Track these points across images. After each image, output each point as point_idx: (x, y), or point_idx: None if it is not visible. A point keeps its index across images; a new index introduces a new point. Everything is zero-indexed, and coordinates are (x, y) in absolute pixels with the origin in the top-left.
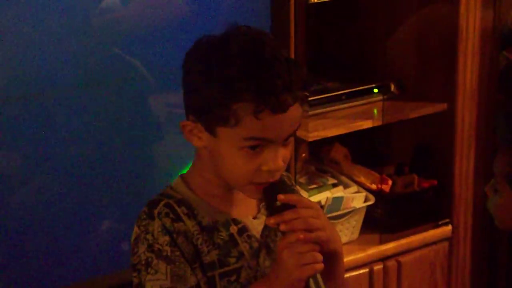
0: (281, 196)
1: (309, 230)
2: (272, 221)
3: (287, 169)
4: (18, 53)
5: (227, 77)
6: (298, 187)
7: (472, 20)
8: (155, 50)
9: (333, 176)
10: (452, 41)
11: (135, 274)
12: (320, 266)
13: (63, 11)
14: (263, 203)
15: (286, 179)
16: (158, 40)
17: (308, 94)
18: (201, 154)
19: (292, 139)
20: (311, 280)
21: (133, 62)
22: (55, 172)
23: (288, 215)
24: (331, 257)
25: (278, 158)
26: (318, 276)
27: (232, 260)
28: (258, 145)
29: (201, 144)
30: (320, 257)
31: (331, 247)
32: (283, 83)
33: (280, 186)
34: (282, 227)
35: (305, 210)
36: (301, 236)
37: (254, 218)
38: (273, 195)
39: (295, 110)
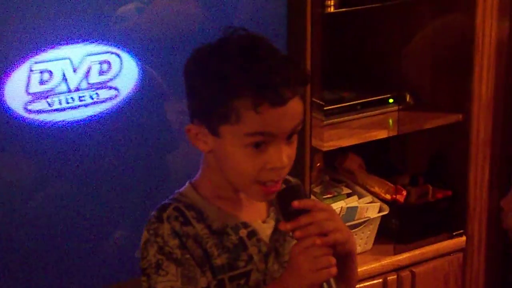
0: (295, 203)
1: (325, 233)
2: (288, 227)
3: (301, 178)
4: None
5: (225, 75)
6: (312, 197)
7: (488, 30)
8: (170, 57)
9: (347, 186)
10: (468, 52)
11: (144, 278)
12: (335, 270)
13: (78, 18)
14: (272, 207)
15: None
16: (173, 48)
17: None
18: (208, 159)
19: (296, 137)
20: (324, 284)
21: (148, 70)
22: (68, 180)
23: (303, 220)
24: (346, 257)
25: (282, 155)
26: (332, 280)
27: (241, 263)
28: (261, 142)
29: (207, 149)
30: (334, 260)
31: (348, 247)
32: (280, 77)
33: (294, 191)
34: (298, 234)
35: (319, 213)
36: (318, 241)
37: (263, 222)
38: (287, 201)
39: (296, 104)
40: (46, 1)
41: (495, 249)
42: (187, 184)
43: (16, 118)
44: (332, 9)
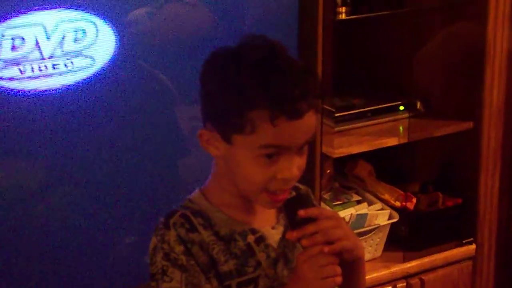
0: (301, 212)
1: (331, 241)
2: (294, 235)
3: (311, 185)
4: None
5: (242, 85)
6: (322, 203)
7: (499, 38)
8: (181, 62)
9: (357, 193)
10: (479, 59)
11: (154, 283)
12: (339, 279)
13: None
14: (282, 213)
15: (305, 193)
16: (184, 53)
17: (322, 102)
18: (219, 165)
19: (306, 148)
20: None
21: (159, 75)
22: (76, 185)
23: (309, 228)
24: (354, 264)
25: (293, 167)
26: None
27: (250, 269)
28: (273, 153)
29: (218, 154)
30: (339, 270)
31: (355, 254)
32: (299, 90)
33: (301, 200)
34: (304, 243)
35: (326, 221)
36: (326, 249)
37: (272, 228)
38: (294, 209)
39: (310, 117)
40: None
41: (505, 257)
42: (196, 190)
43: None
44: (343, 16)
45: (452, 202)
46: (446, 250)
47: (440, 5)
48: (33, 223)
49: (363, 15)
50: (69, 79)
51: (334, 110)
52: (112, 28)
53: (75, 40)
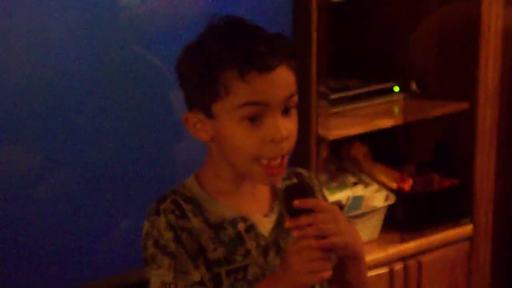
0: (296, 202)
1: (323, 236)
2: (287, 224)
3: (307, 168)
4: (35, 50)
5: (210, 53)
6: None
7: (494, 18)
8: (174, 47)
9: (353, 175)
10: (474, 39)
11: (147, 268)
12: (328, 274)
13: (82, 8)
14: (277, 201)
15: (308, 180)
16: (177, 38)
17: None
18: (212, 150)
19: (294, 112)
20: (316, 286)
21: (152, 60)
22: (72, 171)
23: (303, 220)
24: (350, 260)
25: (279, 126)
26: (324, 282)
27: (239, 257)
28: (255, 114)
29: (208, 137)
30: (329, 265)
31: (350, 250)
32: (264, 46)
33: (301, 188)
34: (295, 234)
35: (322, 215)
36: (314, 243)
37: (265, 216)
38: (291, 197)
39: (284, 73)
40: None
41: (502, 237)
42: (192, 175)
43: None
44: None
45: (449, 183)
46: (443, 231)
47: None
48: (26, 208)
49: None
50: None
51: (329, 92)
52: None
53: None
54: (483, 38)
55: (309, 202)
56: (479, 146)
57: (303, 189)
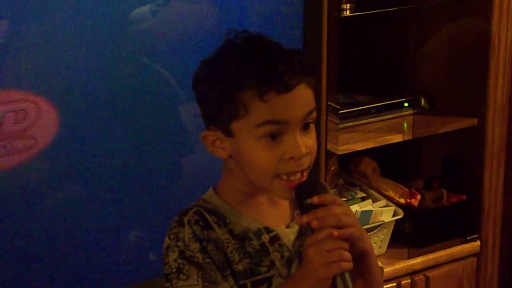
0: (315, 199)
1: (341, 227)
2: (304, 219)
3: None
4: (46, 62)
5: (229, 71)
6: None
7: (503, 35)
8: (184, 60)
9: (362, 190)
10: (483, 56)
11: (168, 284)
12: (348, 264)
13: (93, 22)
14: (297, 212)
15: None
16: (187, 50)
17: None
18: (229, 165)
19: (313, 128)
20: (338, 279)
21: (162, 72)
22: (83, 181)
23: (320, 212)
24: (362, 256)
25: (298, 143)
26: (346, 275)
27: (263, 269)
28: (275, 133)
29: (226, 155)
30: (348, 255)
31: (361, 245)
32: (284, 65)
33: (313, 184)
34: (314, 224)
35: (337, 207)
36: (335, 232)
37: (287, 227)
38: (305, 193)
39: (303, 91)
40: None
41: (509, 254)
42: (210, 189)
43: None
44: (348, 13)
45: (457, 199)
46: (450, 246)
47: (445, 1)
48: (38, 217)
49: (368, 12)
50: (10, 162)
51: (338, 107)
52: (54, 106)
53: (16, 121)
54: (492, 54)
55: (326, 198)
56: (488, 163)
57: (315, 186)
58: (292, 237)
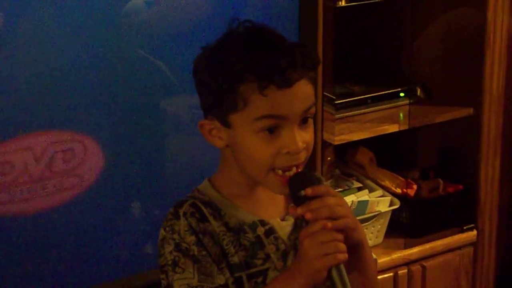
0: (308, 190)
1: (335, 218)
2: (299, 211)
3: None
4: (41, 54)
5: (229, 63)
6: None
7: (499, 24)
8: (180, 52)
9: (358, 180)
10: (479, 46)
11: (163, 276)
12: (343, 256)
13: (88, 13)
14: (291, 205)
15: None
16: (183, 42)
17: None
18: (226, 156)
19: (311, 123)
20: (334, 271)
21: (158, 64)
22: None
23: (314, 204)
24: (356, 247)
25: (296, 138)
26: (342, 266)
27: (259, 261)
28: (273, 127)
29: (223, 144)
30: (343, 246)
31: (356, 236)
32: (285, 60)
33: (305, 176)
34: (308, 216)
35: (331, 198)
36: (329, 224)
37: (282, 219)
38: (298, 185)
39: (304, 86)
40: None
41: (506, 243)
42: (205, 180)
43: None
44: (343, 3)
45: (453, 189)
46: (447, 236)
47: None
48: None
49: (364, 2)
50: (59, 199)
51: (334, 97)
52: (100, 146)
53: (64, 161)
54: (488, 44)
55: (320, 189)
56: (484, 152)
57: (308, 178)
58: (288, 229)
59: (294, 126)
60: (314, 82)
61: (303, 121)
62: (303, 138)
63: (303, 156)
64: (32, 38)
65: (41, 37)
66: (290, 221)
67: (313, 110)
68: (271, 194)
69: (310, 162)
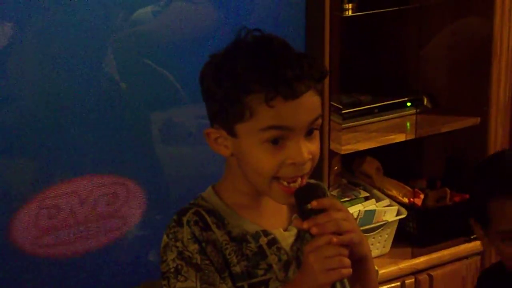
0: (314, 203)
1: (340, 232)
2: (305, 225)
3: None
4: (48, 63)
5: (236, 73)
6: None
7: (506, 34)
8: (186, 61)
9: (365, 189)
10: (486, 55)
11: (165, 282)
12: (348, 271)
13: (95, 23)
14: (295, 215)
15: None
16: (189, 51)
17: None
18: (231, 164)
19: (317, 134)
20: (338, 285)
21: (164, 73)
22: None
23: (320, 218)
24: (361, 261)
25: (301, 150)
26: (346, 281)
27: (260, 272)
28: (278, 138)
29: (228, 153)
30: (347, 261)
31: (361, 250)
32: (292, 71)
33: (312, 189)
34: (314, 230)
35: (337, 212)
36: (334, 239)
37: (285, 230)
38: (304, 199)
39: (311, 98)
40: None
41: None
42: (209, 188)
43: (23, 254)
44: (350, 13)
45: (460, 198)
46: (454, 245)
47: (447, 1)
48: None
49: (370, 12)
50: (101, 241)
51: (341, 107)
52: (142, 187)
53: (108, 203)
54: (494, 53)
55: (325, 202)
56: None
57: (315, 190)
58: (290, 240)
59: (300, 137)
60: (321, 94)
61: (309, 132)
62: (309, 149)
63: (308, 167)
64: (35, 47)
65: (45, 46)
66: (293, 231)
67: (319, 121)
68: (274, 204)
69: (317, 171)
